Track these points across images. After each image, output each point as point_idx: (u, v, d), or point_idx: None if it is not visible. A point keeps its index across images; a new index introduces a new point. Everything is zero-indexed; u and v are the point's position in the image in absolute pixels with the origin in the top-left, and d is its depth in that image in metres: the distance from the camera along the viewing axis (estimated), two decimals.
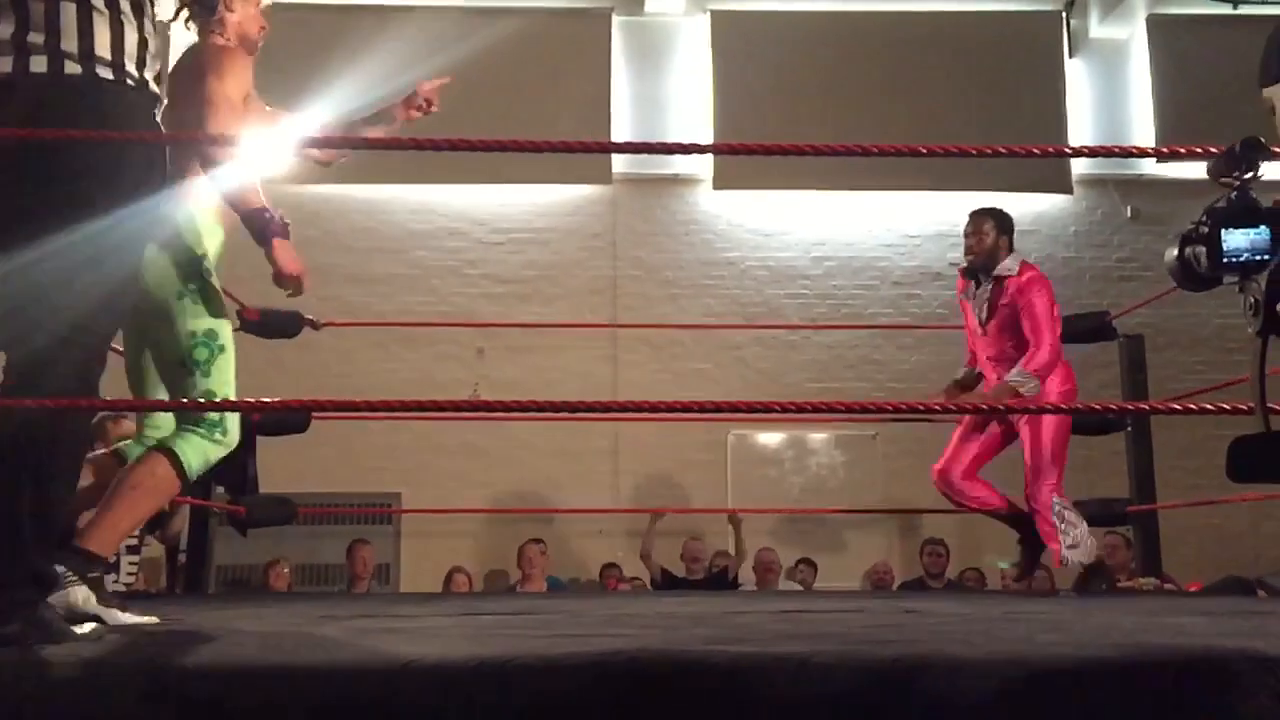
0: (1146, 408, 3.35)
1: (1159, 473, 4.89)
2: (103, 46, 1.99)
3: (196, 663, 1.38)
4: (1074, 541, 4.14)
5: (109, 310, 1.97)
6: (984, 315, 4.38)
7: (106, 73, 2.00)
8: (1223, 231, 1.27)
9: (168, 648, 1.60)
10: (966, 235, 4.47)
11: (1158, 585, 4.80)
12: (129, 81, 2.04)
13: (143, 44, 2.08)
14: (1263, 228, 1.26)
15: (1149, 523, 4.89)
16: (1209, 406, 2.19)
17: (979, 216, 4.48)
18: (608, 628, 1.99)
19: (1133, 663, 1.39)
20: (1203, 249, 1.29)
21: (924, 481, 8.34)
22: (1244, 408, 2.53)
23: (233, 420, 2.68)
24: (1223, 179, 1.48)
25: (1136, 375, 4.92)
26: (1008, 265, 4.32)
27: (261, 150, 3.23)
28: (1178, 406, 2.45)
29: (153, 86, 2.12)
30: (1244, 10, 8.50)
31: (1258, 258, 1.24)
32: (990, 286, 4.36)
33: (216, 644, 1.72)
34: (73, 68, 1.96)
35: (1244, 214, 1.28)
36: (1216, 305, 7.80)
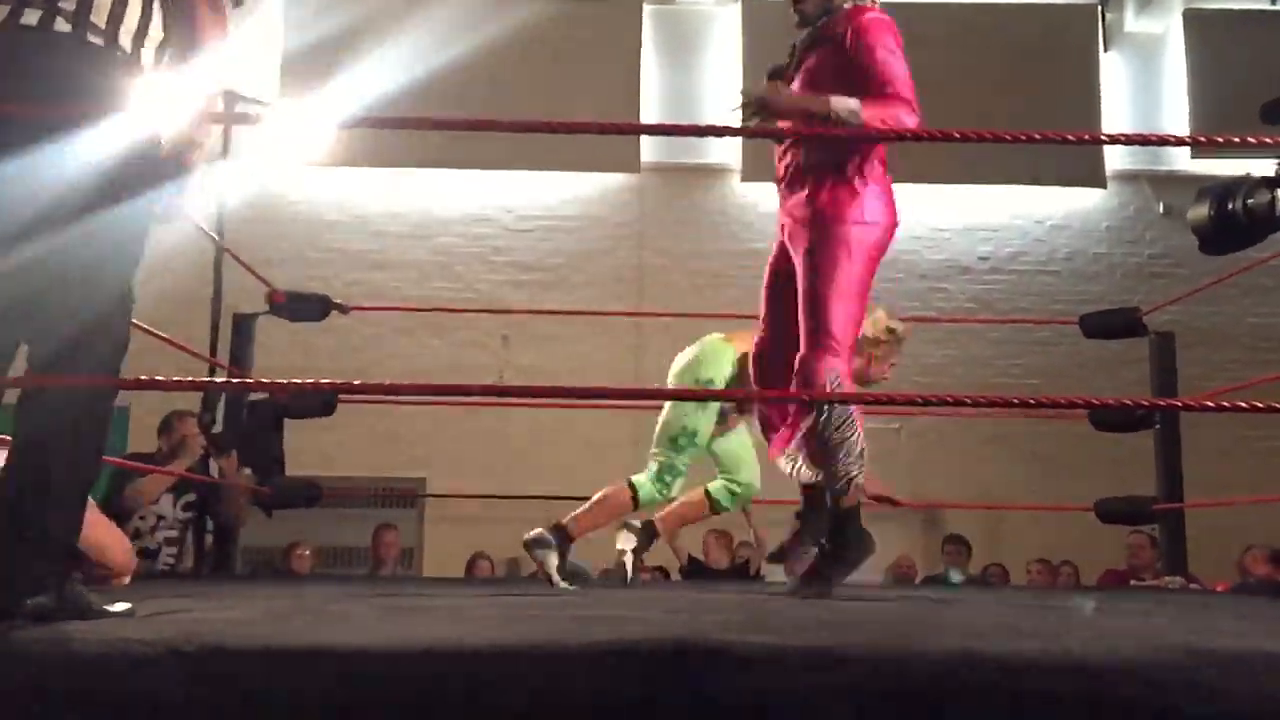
0: (1179, 404, 3.31)
1: (1187, 471, 4.85)
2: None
3: (231, 641, 1.38)
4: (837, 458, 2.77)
5: (129, 294, 1.97)
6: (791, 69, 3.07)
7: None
8: (1278, 192, 1.18)
9: (201, 625, 1.62)
10: None
11: (1183, 584, 4.76)
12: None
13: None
14: None
15: (1176, 522, 4.84)
16: (1242, 405, 2.16)
17: None
18: (630, 611, 1.99)
19: (1177, 664, 1.38)
20: (1270, 194, 1.19)
21: (948, 476, 8.33)
22: (1277, 406, 2.50)
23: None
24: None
25: (1166, 372, 4.87)
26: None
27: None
28: (1210, 404, 2.42)
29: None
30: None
31: None
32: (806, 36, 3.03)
33: (249, 623, 1.73)
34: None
35: None
36: (1249, 304, 7.74)
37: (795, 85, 3.00)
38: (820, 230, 2.86)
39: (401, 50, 8.01)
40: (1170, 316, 5.59)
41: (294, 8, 8.55)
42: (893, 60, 2.92)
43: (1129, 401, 2.12)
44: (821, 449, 2.83)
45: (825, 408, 2.77)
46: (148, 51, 2.03)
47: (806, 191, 2.93)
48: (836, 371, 2.77)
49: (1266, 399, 2.74)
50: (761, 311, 3.28)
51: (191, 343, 4.32)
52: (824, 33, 2.96)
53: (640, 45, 8.62)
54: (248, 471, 4.66)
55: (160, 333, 3.45)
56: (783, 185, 3.08)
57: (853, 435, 2.79)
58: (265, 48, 8.46)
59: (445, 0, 8.45)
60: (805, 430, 2.97)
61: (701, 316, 7.88)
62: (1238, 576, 5.31)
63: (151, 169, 2.01)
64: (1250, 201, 1.27)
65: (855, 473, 2.81)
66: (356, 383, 2.14)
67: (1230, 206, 1.24)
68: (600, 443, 7.89)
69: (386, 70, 7.83)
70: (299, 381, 1.99)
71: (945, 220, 8.44)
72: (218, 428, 4.48)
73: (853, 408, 2.81)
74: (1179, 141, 2.18)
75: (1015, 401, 2.17)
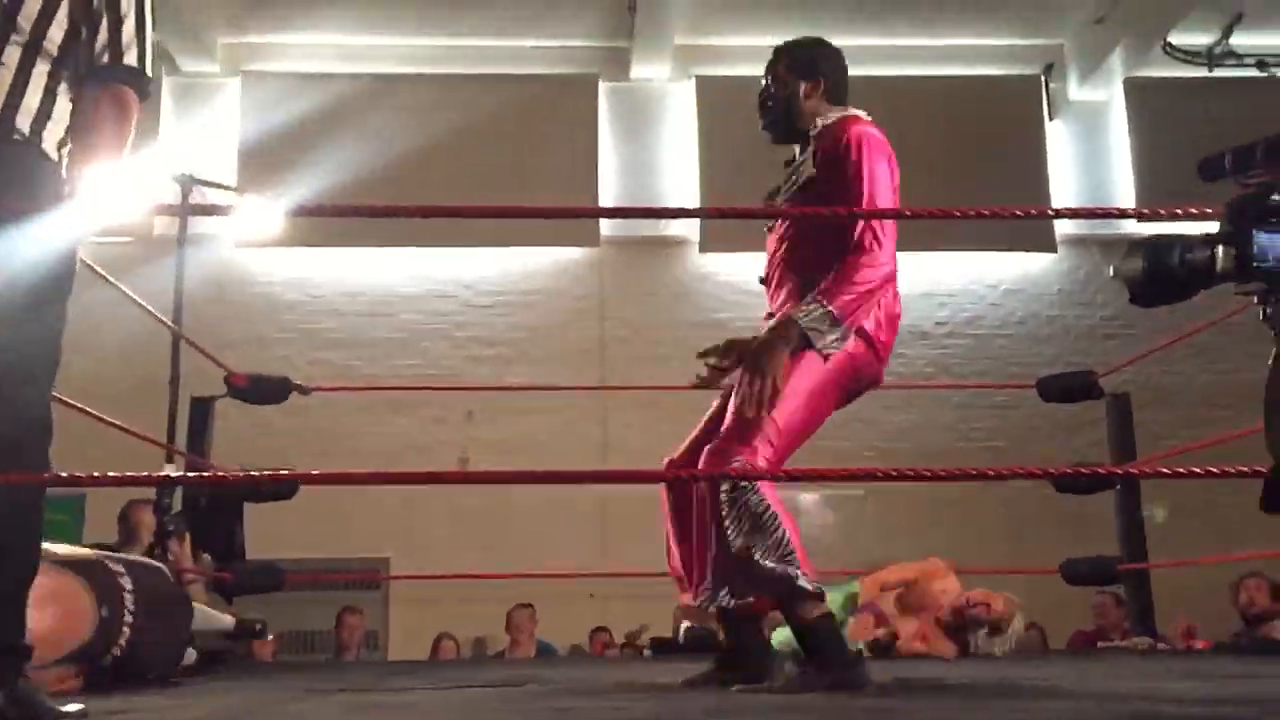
0: (1135, 472, 3.35)
1: (1151, 529, 4.88)
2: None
3: None
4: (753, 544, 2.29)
5: (50, 379, 1.93)
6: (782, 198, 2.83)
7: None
8: (1255, 233, 1.15)
9: None
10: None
11: (1151, 644, 4.77)
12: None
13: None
14: None
15: (1141, 581, 4.86)
16: (1196, 470, 2.19)
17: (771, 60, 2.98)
18: (599, 699, 1.97)
19: None
20: (1223, 250, 1.16)
21: (914, 541, 8.32)
22: (1232, 470, 2.53)
23: None
24: (1248, 176, 1.30)
25: (1124, 434, 4.92)
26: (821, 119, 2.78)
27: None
28: (1165, 470, 2.44)
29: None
30: (1219, 73, 8.66)
31: None
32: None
33: None
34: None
35: (1275, 215, 1.16)
36: (1201, 363, 7.87)
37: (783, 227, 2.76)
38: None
39: (362, 134, 8.08)
40: (1125, 377, 5.66)
41: (252, 93, 8.60)
42: (875, 185, 2.60)
43: (1085, 470, 2.14)
44: (739, 564, 2.28)
45: (725, 511, 2.30)
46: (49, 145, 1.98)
47: (785, 299, 2.61)
48: (745, 462, 2.29)
49: (1223, 455, 2.78)
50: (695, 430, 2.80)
51: (149, 428, 4.27)
52: (818, 153, 2.70)
53: (597, 123, 8.73)
54: (206, 557, 4.58)
55: (116, 420, 3.40)
56: (769, 284, 2.78)
57: (770, 530, 2.28)
58: (223, 133, 8.49)
59: (406, 86, 8.56)
60: (713, 555, 2.38)
61: (664, 389, 7.90)
62: (1235, 612, 5.21)
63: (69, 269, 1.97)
64: (1189, 256, 1.25)
65: (794, 572, 2.26)
66: (315, 472, 2.12)
67: (1165, 261, 1.22)
68: (568, 518, 7.84)
69: (346, 153, 7.88)
70: (255, 474, 1.96)
71: (902, 287, 8.49)
72: (175, 511, 4.41)
73: (765, 498, 2.32)
74: (1121, 214, 2.23)
75: (974, 473, 2.19)
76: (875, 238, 2.52)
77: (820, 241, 2.56)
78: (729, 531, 2.28)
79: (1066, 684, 2.35)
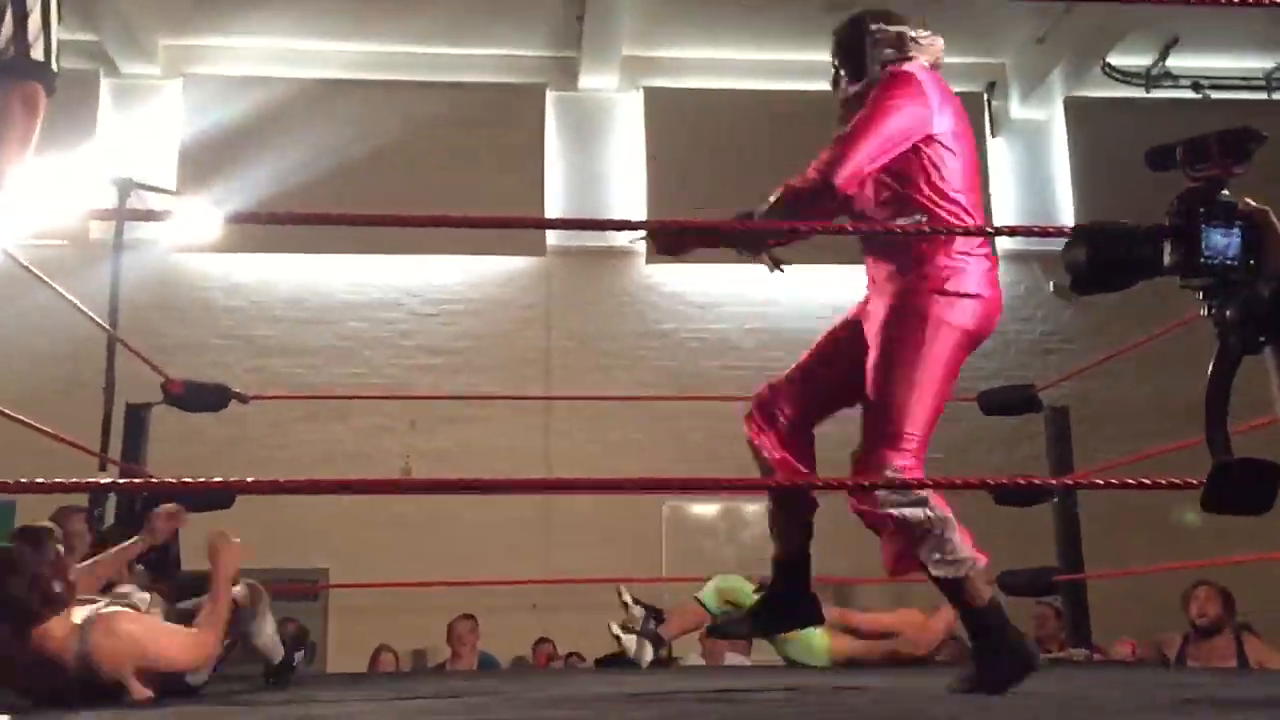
0: (1069, 483, 3.39)
1: (1088, 539, 4.95)
2: None
3: None
4: (940, 550, 2.50)
5: None
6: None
7: None
8: (1204, 228, 1.16)
9: None
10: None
11: (1088, 656, 4.83)
12: None
13: None
14: (1236, 230, 1.16)
15: (1077, 592, 4.93)
16: (1131, 481, 2.22)
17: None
18: (540, 712, 1.95)
19: None
20: (1172, 244, 1.17)
21: (856, 552, 8.35)
22: (1167, 481, 2.58)
23: None
24: (1197, 170, 1.29)
25: (1062, 447, 5.00)
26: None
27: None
28: (1100, 481, 2.48)
29: None
30: (1157, 94, 8.85)
31: (1229, 262, 1.14)
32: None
33: None
34: None
35: (1226, 212, 1.17)
36: (1140, 377, 8.00)
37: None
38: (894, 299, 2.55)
39: (306, 139, 7.99)
40: (1064, 391, 5.74)
41: (193, 96, 8.47)
42: (876, 112, 2.57)
43: (1022, 480, 2.16)
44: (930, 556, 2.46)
45: (900, 524, 2.46)
46: None
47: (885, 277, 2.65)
48: (896, 468, 2.46)
49: (1162, 467, 2.83)
50: (801, 359, 2.91)
51: (82, 435, 4.17)
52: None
53: (544, 132, 8.71)
54: (141, 569, 4.48)
55: (48, 428, 3.31)
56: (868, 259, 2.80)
57: (936, 533, 2.45)
58: (163, 135, 8.35)
59: (351, 91, 8.48)
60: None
61: (609, 399, 7.91)
62: (1185, 620, 5.25)
63: None
64: (1134, 249, 1.24)
65: (964, 555, 2.47)
66: (251, 479, 2.08)
67: (1110, 252, 1.21)
68: (511, 527, 7.79)
69: (289, 159, 7.79)
70: (190, 480, 1.92)
71: (845, 299, 8.56)
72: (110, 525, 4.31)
73: (925, 503, 2.49)
74: (1059, 232, 2.26)
75: (914, 484, 2.20)
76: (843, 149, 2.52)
77: (883, 212, 2.61)
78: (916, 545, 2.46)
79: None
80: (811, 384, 2.78)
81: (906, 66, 2.66)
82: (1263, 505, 1.12)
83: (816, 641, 4.65)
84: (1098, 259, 1.26)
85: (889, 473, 2.45)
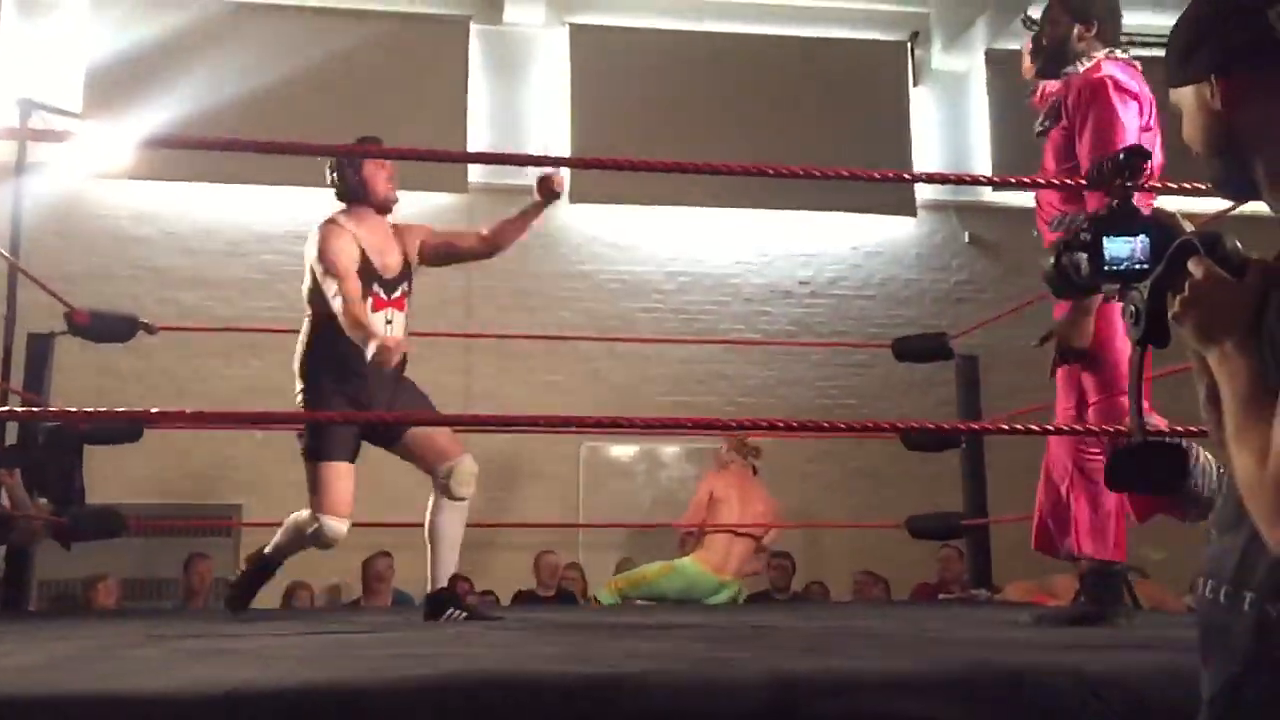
0: (977, 428, 3.49)
1: (993, 486, 5.09)
2: None
3: (9, 690, 1.29)
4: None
5: None
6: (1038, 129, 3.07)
7: None
8: (1104, 239, 1.28)
9: None
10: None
11: (988, 596, 5.00)
12: None
13: None
14: (1142, 236, 1.28)
15: (981, 536, 5.09)
16: (1034, 428, 2.29)
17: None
18: (451, 647, 1.96)
19: (967, 680, 1.43)
20: (1083, 256, 1.29)
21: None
22: (1069, 428, 2.67)
23: None
24: (1106, 187, 1.45)
25: (971, 394, 5.12)
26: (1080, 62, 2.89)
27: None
28: (1005, 427, 2.57)
29: None
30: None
31: (1137, 266, 1.25)
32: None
33: (34, 669, 1.62)
34: None
35: (1125, 221, 1.28)
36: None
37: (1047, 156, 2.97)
38: None
39: (221, 64, 7.73)
40: (976, 340, 5.87)
41: (99, 16, 8.13)
42: (1106, 128, 2.66)
43: (931, 425, 2.21)
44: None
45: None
46: None
47: None
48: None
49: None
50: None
51: None
52: (1070, 94, 2.86)
53: (467, 66, 8.55)
54: (43, 501, 4.38)
55: None
56: (1047, 227, 3.05)
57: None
58: (69, 54, 8.02)
59: (268, 15, 8.22)
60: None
61: (529, 337, 7.87)
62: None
63: None
64: (1064, 260, 1.37)
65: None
66: (155, 410, 2.03)
67: (1065, 261, 1.34)
68: None
69: (203, 84, 7.54)
70: (97, 410, 1.87)
71: (767, 245, 8.66)
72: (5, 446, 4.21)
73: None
74: (975, 180, 2.30)
75: (826, 426, 2.24)
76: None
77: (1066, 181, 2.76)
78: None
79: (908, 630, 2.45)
80: None
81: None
82: (1167, 486, 1.22)
83: None
84: (1055, 270, 1.39)
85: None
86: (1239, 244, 1.16)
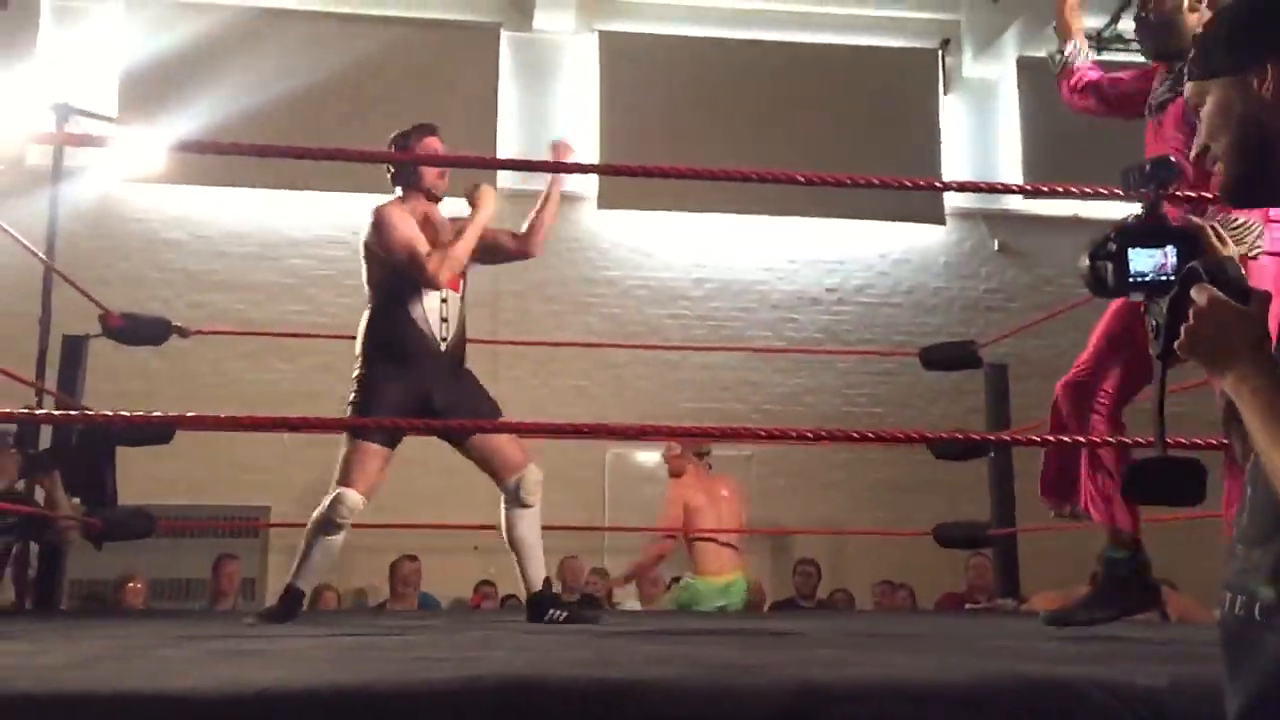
0: (1007, 438, 3.46)
1: (1021, 495, 5.06)
2: None
3: (44, 688, 1.31)
4: None
5: None
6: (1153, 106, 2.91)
7: None
8: (1129, 251, 1.26)
9: (13, 671, 1.52)
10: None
11: (1015, 606, 4.97)
12: None
13: None
14: (1170, 248, 1.26)
15: (1008, 546, 5.05)
16: (1066, 439, 2.27)
17: None
18: (476, 650, 1.97)
19: (992, 690, 1.43)
20: (1110, 266, 1.28)
21: (797, 502, 8.48)
22: (1100, 439, 2.65)
23: None
24: (1137, 195, 1.43)
25: (1000, 403, 5.09)
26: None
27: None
28: (1035, 438, 2.55)
29: None
30: (1108, 56, 8.91)
31: (1163, 278, 1.24)
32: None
33: (68, 668, 1.64)
34: None
35: (1151, 233, 1.27)
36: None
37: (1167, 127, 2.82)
38: None
39: (253, 70, 7.81)
40: (1004, 349, 5.85)
41: (134, 20, 8.23)
42: None
43: (960, 435, 2.20)
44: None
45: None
46: None
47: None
48: None
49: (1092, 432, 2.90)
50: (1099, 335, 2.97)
51: (18, 366, 4.10)
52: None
53: (497, 72, 8.60)
54: (76, 501, 4.43)
55: None
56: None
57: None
58: (105, 60, 8.12)
59: (299, 21, 8.29)
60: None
61: (555, 344, 7.89)
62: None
63: None
64: (1090, 266, 1.35)
65: None
66: (191, 414, 2.06)
67: (1099, 266, 1.32)
68: (459, 469, 7.77)
69: (235, 89, 7.61)
70: (129, 414, 1.90)
71: (795, 252, 8.65)
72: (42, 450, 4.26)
73: None
74: (1008, 190, 2.29)
75: (855, 435, 2.24)
76: None
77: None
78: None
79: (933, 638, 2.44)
80: None
81: None
82: (1186, 501, 1.21)
83: None
84: (1090, 278, 1.37)
85: None
86: (1242, 269, 1.16)
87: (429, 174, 3.54)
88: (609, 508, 7.97)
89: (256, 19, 8.17)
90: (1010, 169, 8.81)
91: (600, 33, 8.71)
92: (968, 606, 6.05)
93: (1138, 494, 1.43)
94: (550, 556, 7.11)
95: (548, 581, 3.33)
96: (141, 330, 4.71)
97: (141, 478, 5.56)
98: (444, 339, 3.37)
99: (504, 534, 3.30)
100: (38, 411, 4.05)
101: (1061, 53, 2.97)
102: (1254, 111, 1.12)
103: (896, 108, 8.76)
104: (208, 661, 1.80)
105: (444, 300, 3.41)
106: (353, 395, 3.26)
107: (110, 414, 2.19)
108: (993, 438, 4.33)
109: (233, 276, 8.11)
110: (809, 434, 2.33)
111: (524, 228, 3.62)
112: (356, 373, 3.34)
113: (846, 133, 8.42)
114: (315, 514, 3.25)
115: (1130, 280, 1.24)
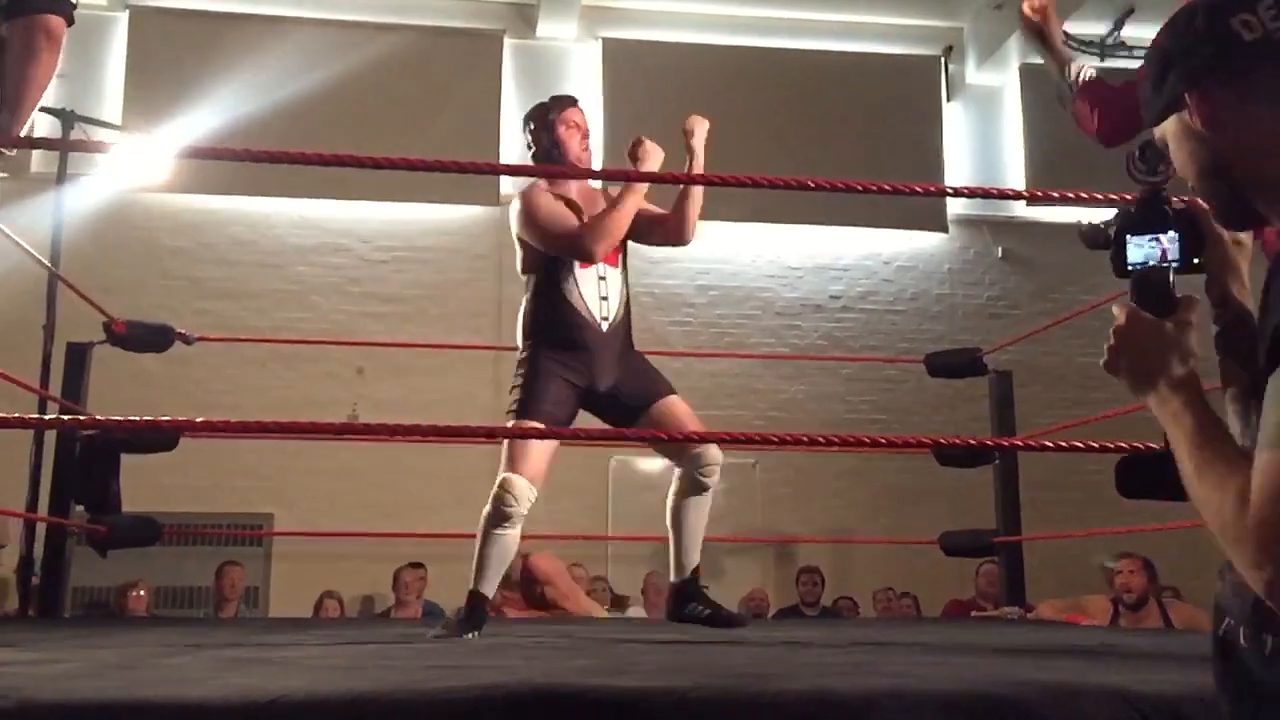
0: (1019, 444, 3.45)
1: (1025, 501, 5.05)
2: None
3: (50, 696, 1.30)
4: None
5: None
6: None
7: None
8: (1127, 239, 1.24)
9: (20, 679, 1.52)
10: None
11: (1021, 614, 4.95)
12: None
13: None
14: (1173, 234, 1.23)
15: (1014, 553, 5.04)
16: (1079, 445, 2.27)
17: None
18: (486, 659, 1.96)
19: (1006, 697, 1.42)
20: (1110, 254, 1.26)
21: (801, 510, 8.47)
22: (1101, 446, 2.64)
23: None
24: (1139, 178, 1.39)
25: (1005, 410, 5.07)
26: None
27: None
28: (1049, 444, 2.53)
29: None
30: (1111, 63, 8.92)
31: (1164, 265, 1.22)
32: None
33: (75, 676, 1.64)
34: None
35: (1149, 221, 1.24)
36: (1079, 345, 8.14)
37: None
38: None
39: (256, 78, 7.82)
40: (1008, 356, 5.84)
41: (139, 29, 8.24)
42: None
43: (972, 441, 2.19)
44: None
45: None
46: None
47: None
48: None
49: (1096, 434, 2.89)
50: None
51: (21, 373, 4.09)
52: None
53: (501, 80, 8.61)
54: (80, 509, 4.43)
55: None
56: None
57: None
58: (109, 69, 8.13)
59: (304, 29, 8.30)
60: None
61: None
62: (1108, 589, 5.38)
63: None
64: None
65: None
66: (198, 420, 2.05)
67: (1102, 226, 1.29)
68: (458, 477, 7.77)
69: (238, 97, 7.62)
70: (133, 420, 1.90)
71: (799, 259, 8.65)
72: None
73: None
74: (1016, 195, 2.29)
75: (867, 441, 2.23)
76: None
77: None
78: None
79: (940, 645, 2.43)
80: None
81: None
82: (1180, 495, 1.19)
83: None
84: (1096, 232, 1.34)
85: None
86: (1172, 279, 1.14)
87: (571, 147, 3.31)
88: (612, 515, 7.96)
89: (261, 27, 8.19)
90: (1014, 176, 8.81)
91: (603, 40, 8.73)
92: (974, 614, 6.04)
93: (1130, 489, 1.41)
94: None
95: (698, 570, 3.10)
96: (145, 337, 4.71)
97: (145, 485, 5.55)
98: (605, 318, 3.13)
99: (668, 514, 3.16)
100: (45, 417, 4.04)
101: (1065, 79, 2.83)
102: (1198, 144, 1.13)
103: (900, 115, 8.77)
104: (218, 670, 1.80)
105: (602, 278, 3.17)
106: (516, 379, 3.07)
107: (115, 420, 2.18)
108: (991, 443, 4.30)
109: (237, 284, 8.11)
110: (820, 439, 2.32)
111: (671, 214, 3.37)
112: (520, 356, 3.16)
113: (849, 140, 8.43)
114: (484, 510, 3.08)
115: (1129, 268, 1.22)
